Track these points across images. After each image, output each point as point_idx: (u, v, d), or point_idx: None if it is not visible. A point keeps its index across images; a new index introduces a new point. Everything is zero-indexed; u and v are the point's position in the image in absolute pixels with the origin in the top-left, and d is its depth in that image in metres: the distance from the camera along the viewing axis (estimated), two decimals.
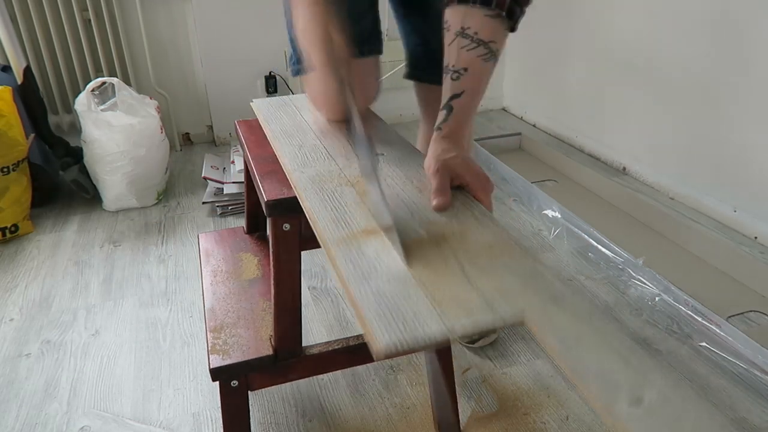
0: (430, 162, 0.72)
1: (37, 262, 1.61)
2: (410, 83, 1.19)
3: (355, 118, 0.72)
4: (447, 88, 0.76)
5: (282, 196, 0.77)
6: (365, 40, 1.00)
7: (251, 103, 1.12)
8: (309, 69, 0.97)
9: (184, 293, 1.46)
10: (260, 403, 1.11)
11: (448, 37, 0.77)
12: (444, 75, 0.77)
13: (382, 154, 0.84)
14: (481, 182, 0.70)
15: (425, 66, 1.14)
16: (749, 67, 1.58)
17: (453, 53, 0.76)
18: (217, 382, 0.86)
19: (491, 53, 0.75)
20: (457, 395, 1.11)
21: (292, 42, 0.99)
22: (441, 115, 0.76)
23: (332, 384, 1.15)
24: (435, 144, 0.74)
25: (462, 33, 0.75)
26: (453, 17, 0.76)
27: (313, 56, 0.82)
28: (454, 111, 0.75)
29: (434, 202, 0.67)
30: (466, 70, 0.75)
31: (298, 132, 0.95)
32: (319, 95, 0.98)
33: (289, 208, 0.77)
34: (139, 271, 1.56)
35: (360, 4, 0.99)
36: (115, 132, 1.78)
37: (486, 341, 1.27)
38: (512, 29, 0.77)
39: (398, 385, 1.15)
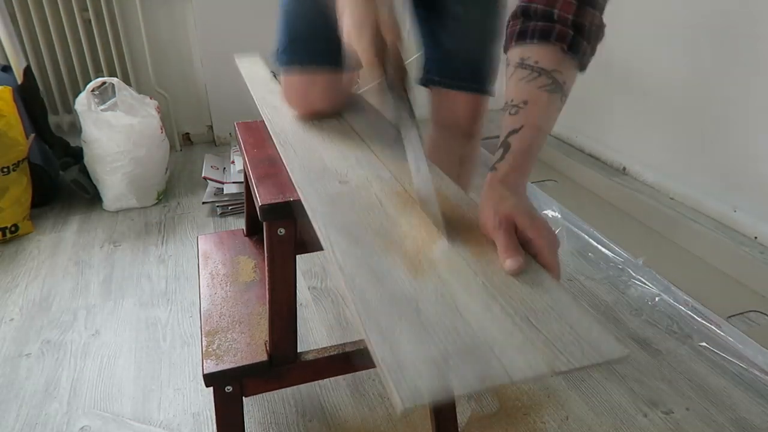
0: (488, 213, 0.60)
1: (37, 262, 1.61)
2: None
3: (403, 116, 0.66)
4: (505, 125, 0.67)
5: (277, 201, 0.75)
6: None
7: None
8: (285, 68, 0.96)
9: (184, 293, 1.46)
10: (260, 402, 1.11)
11: (507, 72, 0.69)
12: (502, 113, 0.69)
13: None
14: (547, 239, 0.57)
15: (437, 69, 1.13)
16: (749, 68, 1.58)
17: (511, 87, 0.68)
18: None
19: (555, 84, 0.66)
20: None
21: (283, 34, 0.95)
22: (497, 153, 0.66)
23: (332, 384, 1.15)
24: (491, 189, 0.63)
25: (521, 64, 0.67)
26: (512, 53, 0.70)
27: (363, 56, 0.71)
28: (512, 149, 0.65)
29: (507, 264, 0.55)
30: (525, 103, 0.66)
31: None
32: (294, 94, 0.96)
33: (284, 213, 0.75)
34: (139, 271, 1.56)
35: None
36: (115, 132, 1.78)
37: None
38: (581, 68, 0.70)
39: None
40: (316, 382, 1.15)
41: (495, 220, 0.58)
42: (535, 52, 0.67)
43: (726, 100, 1.67)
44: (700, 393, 1.11)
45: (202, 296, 1.02)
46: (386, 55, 0.68)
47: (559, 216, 1.71)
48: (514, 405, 1.10)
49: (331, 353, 0.88)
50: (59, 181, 2.01)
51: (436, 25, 1.09)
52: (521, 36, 0.69)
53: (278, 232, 0.77)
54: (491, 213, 0.59)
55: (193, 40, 2.31)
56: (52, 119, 2.13)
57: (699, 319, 1.29)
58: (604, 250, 1.55)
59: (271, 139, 0.91)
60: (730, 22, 1.61)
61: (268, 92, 1.06)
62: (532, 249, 0.57)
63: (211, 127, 2.48)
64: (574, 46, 0.67)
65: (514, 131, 0.65)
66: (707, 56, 1.70)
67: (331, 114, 1.00)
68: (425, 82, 1.16)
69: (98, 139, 1.78)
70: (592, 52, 0.69)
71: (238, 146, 1.99)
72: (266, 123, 0.93)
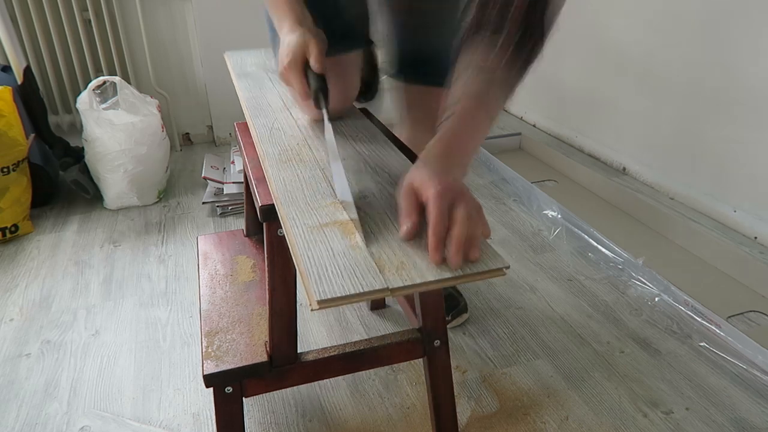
0: (400, 182, 0.66)
1: (37, 262, 1.61)
2: None
3: (323, 110, 0.76)
4: (448, 108, 0.72)
5: None
6: (344, 36, 0.97)
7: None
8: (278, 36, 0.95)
9: (184, 293, 1.46)
10: (260, 403, 1.11)
11: (453, 78, 0.74)
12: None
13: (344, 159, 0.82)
14: (432, 192, 0.59)
15: (401, 65, 1.14)
16: (749, 68, 1.58)
17: (454, 88, 0.73)
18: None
19: (493, 80, 0.71)
20: (458, 395, 1.11)
21: (270, 23, 0.96)
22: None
23: (332, 384, 1.15)
24: (411, 168, 0.68)
25: (466, 68, 0.73)
26: (459, 62, 0.74)
27: (280, 23, 0.83)
28: (439, 134, 0.69)
29: (401, 230, 0.61)
30: (463, 95, 0.71)
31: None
32: (301, 100, 0.97)
33: None
34: (139, 271, 1.56)
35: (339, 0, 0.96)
36: (116, 130, 1.78)
37: (458, 322, 1.30)
38: (523, 69, 0.74)
39: (398, 385, 1.15)
40: (316, 382, 1.15)
41: (401, 188, 0.63)
42: (479, 60, 0.71)
43: (726, 100, 1.67)
44: (700, 393, 1.11)
45: (201, 296, 1.02)
46: (314, 88, 0.78)
47: (559, 216, 1.71)
48: (514, 405, 1.10)
49: (331, 353, 0.88)
50: (59, 181, 2.01)
51: (403, 20, 1.09)
52: (472, 39, 0.73)
53: (278, 232, 0.77)
54: (402, 181, 0.64)
55: (193, 40, 2.31)
56: (52, 119, 2.14)
57: (699, 319, 1.29)
58: (604, 250, 1.55)
59: None
60: (732, 23, 1.61)
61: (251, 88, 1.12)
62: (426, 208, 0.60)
63: (211, 127, 2.48)
64: (521, 42, 0.70)
65: (447, 118, 0.69)
66: (707, 56, 1.70)
67: (344, 111, 1.01)
68: (395, 75, 1.17)
69: (100, 138, 1.78)
70: (530, 59, 0.72)
71: (238, 146, 1.99)
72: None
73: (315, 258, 0.58)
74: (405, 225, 0.60)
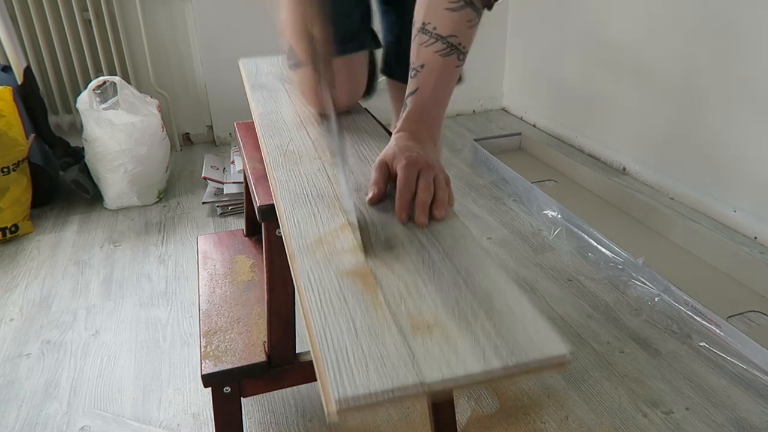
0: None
1: (37, 262, 1.61)
2: None
3: (330, 114, 0.70)
4: (407, 88, 0.76)
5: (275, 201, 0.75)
6: (352, 37, 0.99)
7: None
8: (296, 64, 0.97)
9: (184, 293, 1.46)
10: (260, 402, 1.11)
11: (412, 34, 0.77)
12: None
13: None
14: (402, 163, 0.65)
15: (395, 63, 1.15)
16: (749, 68, 1.58)
17: (413, 51, 0.76)
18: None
19: (451, 48, 0.74)
20: (457, 395, 1.11)
21: None
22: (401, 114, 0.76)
23: None
24: (387, 146, 0.72)
25: (422, 29, 0.75)
26: (418, 11, 0.77)
27: (296, 50, 0.82)
28: (407, 109, 0.74)
29: (368, 195, 0.66)
30: (422, 66, 0.74)
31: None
32: (307, 89, 0.98)
33: None
34: (139, 271, 1.56)
35: (347, 1, 0.98)
36: (116, 130, 1.78)
37: None
38: (488, 6, 0.76)
39: None
40: (315, 382, 1.14)
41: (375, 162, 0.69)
42: (435, 17, 0.74)
43: (726, 100, 1.67)
44: (700, 393, 1.11)
45: (200, 296, 1.02)
46: (314, 48, 0.70)
47: (559, 216, 1.71)
48: (514, 405, 1.09)
49: None
50: (59, 181, 2.01)
51: (393, 17, 1.10)
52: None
53: (277, 233, 0.77)
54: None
55: (193, 40, 2.31)
56: (52, 119, 2.14)
57: (699, 319, 1.29)
58: (604, 250, 1.55)
59: None
60: (733, 23, 1.61)
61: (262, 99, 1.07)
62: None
63: (211, 127, 2.48)
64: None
65: (411, 93, 0.75)
66: (708, 56, 1.70)
67: (351, 107, 1.01)
68: (384, 72, 1.17)
69: (100, 138, 1.78)
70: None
71: (238, 146, 1.99)
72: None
73: (334, 338, 0.47)
74: (371, 191, 0.65)
